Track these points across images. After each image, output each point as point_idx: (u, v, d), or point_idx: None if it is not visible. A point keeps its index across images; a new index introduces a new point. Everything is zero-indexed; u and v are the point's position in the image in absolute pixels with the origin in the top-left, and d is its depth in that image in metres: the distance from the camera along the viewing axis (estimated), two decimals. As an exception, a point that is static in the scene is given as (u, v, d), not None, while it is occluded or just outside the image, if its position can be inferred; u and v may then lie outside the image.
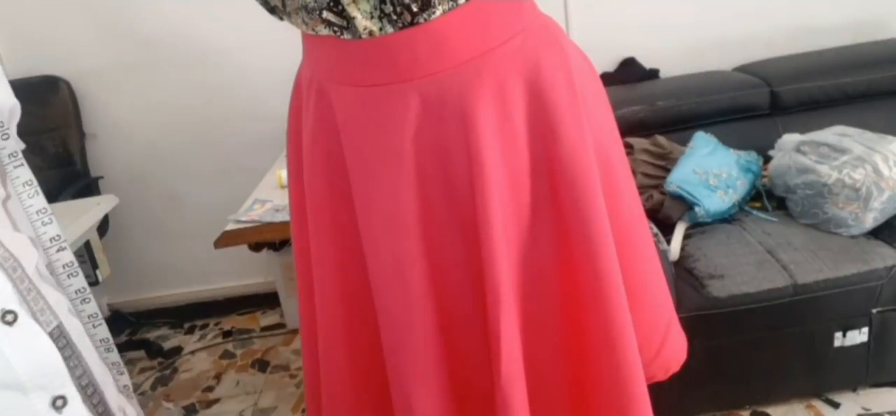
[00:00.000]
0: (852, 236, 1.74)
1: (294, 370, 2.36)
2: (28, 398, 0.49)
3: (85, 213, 2.01)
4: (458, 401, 0.82)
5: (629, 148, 2.04)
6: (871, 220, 1.72)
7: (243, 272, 2.72)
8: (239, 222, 1.70)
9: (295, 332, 2.58)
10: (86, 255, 2.17)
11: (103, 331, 0.65)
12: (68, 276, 0.63)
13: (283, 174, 1.87)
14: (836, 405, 1.81)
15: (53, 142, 2.42)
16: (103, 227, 2.44)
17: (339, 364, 0.88)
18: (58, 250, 0.63)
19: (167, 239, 2.67)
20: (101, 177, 2.54)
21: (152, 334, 2.73)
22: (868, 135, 1.84)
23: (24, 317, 0.50)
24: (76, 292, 0.64)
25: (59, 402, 0.51)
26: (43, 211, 0.61)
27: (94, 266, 2.20)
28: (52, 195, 2.27)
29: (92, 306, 0.64)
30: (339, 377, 0.88)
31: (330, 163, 0.80)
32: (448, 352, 0.79)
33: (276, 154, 2.23)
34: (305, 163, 0.83)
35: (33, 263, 0.55)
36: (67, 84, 2.43)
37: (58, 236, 0.62)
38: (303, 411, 2.12)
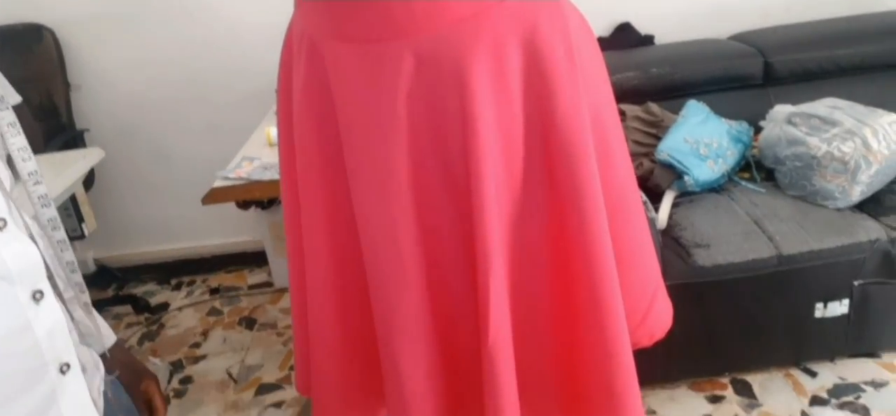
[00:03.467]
0: (838, 209, 1.76)
1: (281, 328, 2.37)
2: (14, 288, 0.58)
3: (70, 166, 1.99)
4: (445, 364, 0.83)
5: (621, 115, 2.03)
6: (857, 193, 1.73)
7: (231, 230, 2.71)
8: (227, 178, 1.69)
9: (282, 291, 2.59)
10: (71, 208, 2.15)
11: (69, 255, 0.72)
12: (52, 229, 0.69)
13: (272, 132, 1.85)
14: (813, 375, 1.85)
15: (37, 92, 2.37)
16: (89, 180, 2.41)
17: (328, 325, 0.88)
18: (43, 206, 0.70)
19: (154, 194, 2.65)
20: (87, 130, 2.50)
21: (139, 290, 2.73)
22: (859, 108, 1.84)
23: (11, 224, 0.59)
24: (58, 243, 0.70)
25: (38, 295, 0.60)
26: (34, 173, 0.69)
27: (80, 220, 2.18)
28: (37, 147, 2.23)
29: (60, 234, 0.72)
30: (328, 338, 0.88)
31: (320, 121, 0.79)
32: (437, 315, 0.79)
33: (265, 111, 2.20)
34: (295, 121, 0.82)
35: (9, 185, 0.64)
36: (52, 33, 2.37)
37: (45, 195, 0.70)
38: (290, 368, 2.14)
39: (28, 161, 0.68)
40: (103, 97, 2.49)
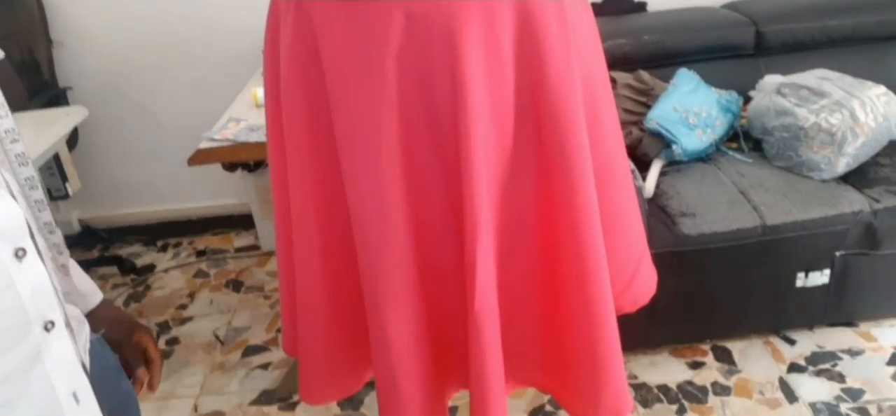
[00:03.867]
0: (823, 181, 1.77)
1: (268, 291, 2.37)
2: None
3: (53, 124, 1.95)
4: (432, 328, 0.84)
5: (612, 82, 2.02)
6: (843, 165, 1.75)
7: (217, 193, 2.69)
8: (213, 140, 1.67)
9: (269, 254, 2.58)
10: (55, 167, 2.12)
11: (47, 215, 0.71)
12: (30, 188, 0.68)
13: (259, 92, 1.82)
14: (792, 342, 1.88)
15: (18, 48, 2.31)
16: (72, 140, 2.38)
17: (315, 288, 0.88)
18: (20, 165, 0.68)
19: (139, 154, 2.62)
20: (70, 88, 2.45)
21: (125, 251, 2.71)
22: (848, 80, 1.85)
23: None
24: (35, 203, 0.69)
25: (20, 252, 0.59)
26: (11, 131, 0.67)
27: (64, 179, 2.15)
28: (21, 104, 2.19)
29: (38, 194, 0.70)
30: (315, 301, 0.88)
31: (308, 82, 0.78)
32: (424, 279, 0.79)
33: (251, 71, 2.17)
34: (282, 82, 0.81)
35: None
36: (31, -13, 2.31)
37: (22, 153, 0.68)
38: (277, 331, 2.15)
39: (4, 119, 0.66)
40: (86, 55, 2.44)
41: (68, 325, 0.67)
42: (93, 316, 0.83)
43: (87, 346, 0.75)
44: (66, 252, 0.73)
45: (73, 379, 0.66)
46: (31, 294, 0.61)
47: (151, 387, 0.88)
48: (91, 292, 0.85)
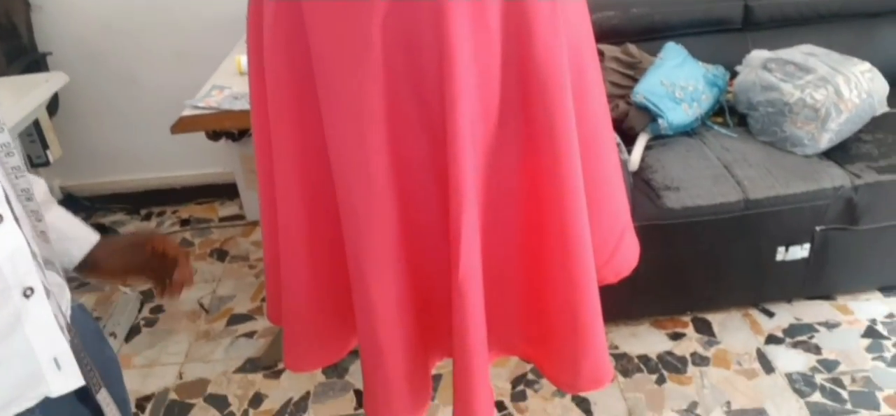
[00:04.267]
0: (806, 156, 1.79)
1: (253, 260, 2.37)
2: None
3: (33, 89, 1.91)
4: (416, 296, 0.84)
5: (600, 55, 2.02)
6: (826, 141, 1.77)
7: (201, 161, 2.67)
8: (196, 107, 1.65)
9: (254, 224, 2.57)
10: (35, 134, 2.08)
11: (24, 182, 0.69)
12: (6, 155, 0.67)
13: (243, 60, 1.80)
14: (770, 315, 1.92)
15: (-6, 11, 2.26)
16: (53, 106, 2.33)
17: (299, 256, 0.88)
18: None
19: (122, 122, 2.58)
20: (50, 53, 2.40)
21: (107, 219, 2.69)
22: (834, 56, 1.86)
23: None
24: (12, 169, 0.68)
25: None
26: None
27: (45, 146, 2.12)
28: (-2, 69, 2.15)
29: (15, 160, 0.69)
30: (299, 269, 0.89)
31: (292, 50, 0.77)
32: (408, 247, 0.80)
33: (236, 38, 2.13)
34: (266, 50, 0.80)
35: None
36: (7, -53, 2.25)
37: None
38: (262, 300, 2.15)
39: None
40: (66, 19, 2.38)
41: (49, 292, 0.67)
42: (95, 257, 0.81)
43: (68, 311, 0.75)
44: (44, 220, 0.72)
45: (54, 345, 0.66)
46: (8, 260, 0.61)
47: (186, 282, 0.86)
48: (85, 235, 0.82)
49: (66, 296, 0.76)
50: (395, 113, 0.73)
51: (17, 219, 0.63)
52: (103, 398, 0.73)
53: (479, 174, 0.75)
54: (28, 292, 0.63)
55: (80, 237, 0.81)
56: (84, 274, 0.83)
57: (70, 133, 2.51)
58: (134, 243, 0.85)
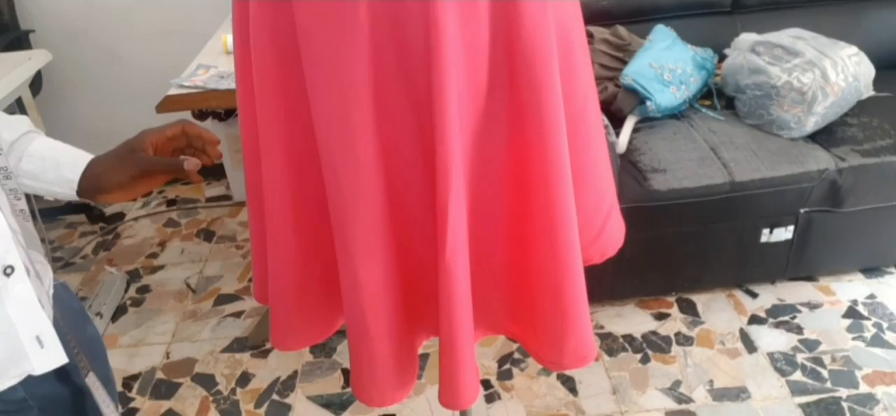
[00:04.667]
0: (792, 139, 1.80)
1: (240, 241, 2.36)
2: None
3: (15, 68, 1.89)
4: (402, 275, 0.84)
5: (589, 37, 2.01)
6: (812, 124, 1.78)
7: (188, 141, 2.64)
8: (182, 87, 1.63)
9: (241, 204, 2.56)
10: (18, 113, 2.05)
11: (2, 160, 0.68)
12: None
13: (229, 39, 1.78)
14: (754, 295, 1.94)
15: (-26, -14, 2.22)
16: (36, 84, 2.30)
17: (285, 236, 0.87)
18: None
19: (106, 101, 2.55)
20: (33, 31, 2.36)
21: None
22: (822, 39, 1.87)
23: None
24: None
25: None
26: None
27: (27, 125, 2.09)
28: (-24, 45, 2.11)
29: None
30: (285, 248, 0.88)
31: (277, 28, 0.76)
32: (395, 226, 0.80)
33: (222, 16, 2.11)
34: (251, 28, 0.79)
35: None
36: (-14, -80, 2.20)
37: None
38: (249, 280, 2.15)
39: None
40: (48, -5, 2.35)
41: (29, 271, 0.67)
42: (94, 174, 0.77)
43: (51, 291, 0.75)
44: (23, 199, 0.71)
45: (36, 323, 0.66)
46: None
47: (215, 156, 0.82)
48: (77, 156, 0.78)
49: (48, 275, 0.75)
50: (382, 91, 0.72)
51: None
52: (91, 381, 0.72)
53: (465, 153, 0.75)
54: (8, 271, 0.63)
55: (71, 159, 0.78)
56: (94, 198, 0.78)
57: (54, 112, 2.48)
58: (131, 148, 0.81)
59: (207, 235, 2.41)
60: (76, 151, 0.80)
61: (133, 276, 2.22)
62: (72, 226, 2.52)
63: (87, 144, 2.69)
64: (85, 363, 0.72)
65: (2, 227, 0.62)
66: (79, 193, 0.77)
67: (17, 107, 2.05)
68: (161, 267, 2.26)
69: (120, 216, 2.56)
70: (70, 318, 0.73)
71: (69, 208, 2.59)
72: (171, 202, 2.63)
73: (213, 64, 1.74)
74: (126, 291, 2.15)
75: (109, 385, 0.84)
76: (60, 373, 0.71)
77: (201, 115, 2.30)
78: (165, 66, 1.96)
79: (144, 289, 2.16)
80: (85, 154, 0.80)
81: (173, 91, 1.62)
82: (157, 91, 1.64)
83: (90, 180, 0.77)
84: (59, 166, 0.76)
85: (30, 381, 0.68)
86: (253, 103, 0.83)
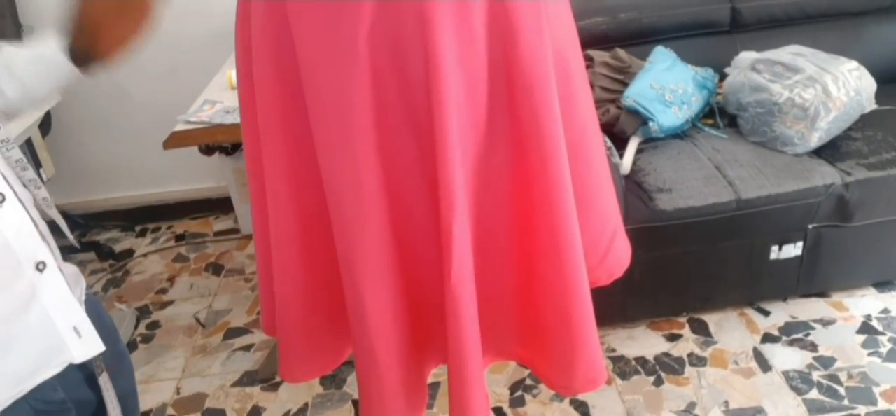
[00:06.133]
0: (797, 155, 1.80)
1: (249, 274, 2.36)
2: None
3: (24, 108, 1.91)
4: (409, 301, 0.84)
5: (589, 60, 2.03)
6: (815, 139, 1.78)
7: (195, 176, 2.67)
8: (188, 122, 1.65)
9: (249, 237, 2.57)
10: (28, 153, 2.08)
11: (16, 153, 0.72)
12: (22, 169, 0.71)
13: (234, 74, 1.80)
14: (766, 313, 1.92)
15: (-15, 31, 2.26)
16: (46, 125, 2.33)
17: (291, 266, 0.88)
18: (8, 150, 0.71)
19: (114, 138, 2.58)
20: (41, 71, 2.40)
21: (102, 237, 2.68)
22: (822, 55, 1.87)
23: None
24: (1, 142, 0.71)
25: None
26: None
27: (38, 165, 2.12)
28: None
29: (2, 134, 0.72)
30: (291, 279, 0.89)
31: (280, 62, 0.77)
32: (400, 253, 0.80)
33: (226, 53, 2.14)
34: (255, 62, 0.80)
35: None
36: (-3, -32, 2.25)
37: (6, 139, 0.71)
38: (258, 313, 2.15)
39: None
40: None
41: (61, 269, 0.69)
42: (79, 27, 0.77)
43: (83, 298, 0.77)
44: (43, 187, 0.74)
45: (72, 315, 0.69)
46: (15, 237, 0.64)
47: None
48: (59, 61, 0.79)
49: (81, 284, 0.79)
50: (384, 120, 0.73)
51: (19, 198, 0.66)
52: (104, 382, 0.75)
53: (468, 178, 0.76)
54: (40, 267, 0.66)
55: (47, 35, 0.78)
56: (88, 51, 0.79)
57: (62, 151, 2.51)
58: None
59: (216, 268, 2.42)
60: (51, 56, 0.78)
61: (143, 312, 2.22)
62: (82, 264, 2.53)
63: (98, 182, 2.70)
64: (100, 364, 0.75)
65: (27, 225, 0.65)
66: (73, 60, 0.76)
67: (27, 147, 2.08)
68: (170, 302, 2.26)
69: (129, 253, 2.57)
70: (102, 332, 0.75)
71: (80, 247, 2.60)
72: (179, 237, 2.64)
73: (219, 99, 1.76)
74: (136, 327, 2.15)
75: (133, 398, 0.87)
76: (92, 380, 0.74)
77: (208, 149, 2.33)
78: (172, 102, 1.98)
79: (154, 325, 2.16)
80: (65, 63, 0.80)
81: (180, 127, 1.64)
82: (165, 127, 1.66)
83: (75, 37, 0.76)
84: (45, 58, 0.78)
85: (68, 385, 0.71)
86: (257, 135, 0.85)
